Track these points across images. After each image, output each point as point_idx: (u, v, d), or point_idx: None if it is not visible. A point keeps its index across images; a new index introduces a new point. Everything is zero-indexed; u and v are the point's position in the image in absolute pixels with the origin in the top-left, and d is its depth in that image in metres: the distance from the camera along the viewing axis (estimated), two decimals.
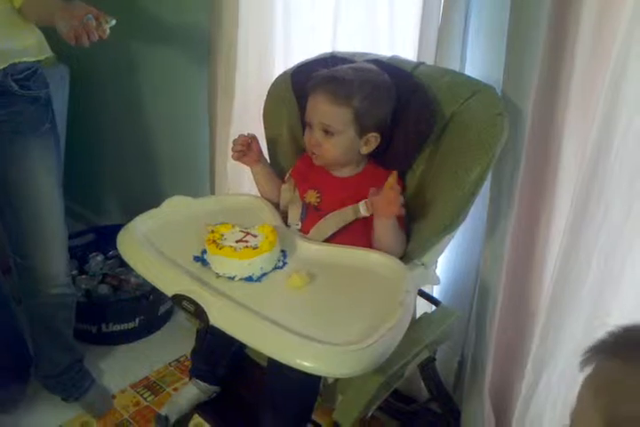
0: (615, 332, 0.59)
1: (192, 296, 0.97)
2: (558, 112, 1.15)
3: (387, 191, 1.06)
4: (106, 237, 2.11)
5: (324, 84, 1.12)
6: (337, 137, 1.13)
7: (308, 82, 1.16)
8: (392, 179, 1.06)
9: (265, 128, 1.38)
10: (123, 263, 2.15)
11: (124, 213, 2.47)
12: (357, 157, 1.18)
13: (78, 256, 2.19)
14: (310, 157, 1.20)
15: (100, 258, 2.21)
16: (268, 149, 1.37)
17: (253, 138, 1.26)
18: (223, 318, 0.96)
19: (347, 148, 1.15)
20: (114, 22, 1.22)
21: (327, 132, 1.13)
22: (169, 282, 1.03)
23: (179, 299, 0.99)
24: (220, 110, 1.70)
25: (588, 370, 0.58)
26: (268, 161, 1.35)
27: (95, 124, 2.42)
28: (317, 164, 1.20)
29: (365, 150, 1.16)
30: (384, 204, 1.08)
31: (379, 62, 1.21)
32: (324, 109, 1.13)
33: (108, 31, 1.22)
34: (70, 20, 1.18)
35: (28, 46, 1.36)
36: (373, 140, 1.15)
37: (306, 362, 0.88)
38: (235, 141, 1.26)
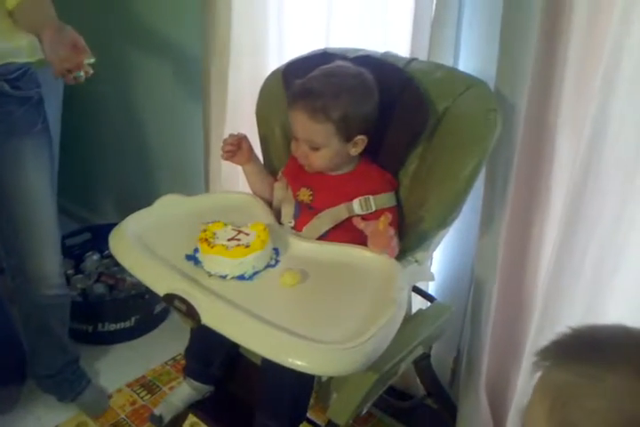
0: (565, 334, 0.58)
1: (183, 295, 0.97)
2: (552, 107, 1.14)
3: (383, 232, 1.04)
4: (102, 237, 2.06)
5: (299, 99, 1.10)
6: (323, 150, 1.13)
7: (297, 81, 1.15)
8: (384, 222, 1.03)
9: (258, 126, 1.37)
10: (118, 262, 2.15)
11: (120, 212, 2.46)
12: (351, 158, 1.17)
13: (74, 255, 2.19)
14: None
15: (95, 257, 2.20)
16: (261, 148, 1.36)
17: (243, 137, 1.25)
18: (214, 317, 0.96)
19: (335, 156, 1.14)
20: (93, 60, 1.24)
21: (313, 146, 1.13)
22: (160, 281, 1.02)
23: (170, 298, 0.98)
24: (213, 110, 1.70)
25: (539, 372, 0.57)
26: (261, 159, 1.35)
27: (91, 123, 2.41)
28: (309, 171, 1.19)
29: (355, 152, 1.15)
30: (383, 244, 1.06)
31: (370, 58, 1.20)
32: (304, 126, 1.11)
33: (91, 71, 1.24)
34: (56, 45, 1.19)
35: (20, 47, 1.36)
36: (361, 142, 1.14)
37: (298, 361, 0.88)
38: (224, 141, 1.25)
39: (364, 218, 1.13)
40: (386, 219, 1.03)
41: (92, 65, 1.24)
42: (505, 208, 1.24)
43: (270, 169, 1.34)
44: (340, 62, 1.15)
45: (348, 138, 1.12)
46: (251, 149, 1.28)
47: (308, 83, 1.10)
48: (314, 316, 0.98)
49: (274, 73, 1.34)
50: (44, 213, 1.50)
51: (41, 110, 1.46)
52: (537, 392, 0.57)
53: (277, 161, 1.34)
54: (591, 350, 0.56)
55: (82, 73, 1.21)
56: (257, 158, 1.31)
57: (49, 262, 1.55)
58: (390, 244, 1.06)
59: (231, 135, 1.26)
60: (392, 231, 1.05)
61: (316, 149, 1.13)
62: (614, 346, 0.55)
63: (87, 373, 1.79)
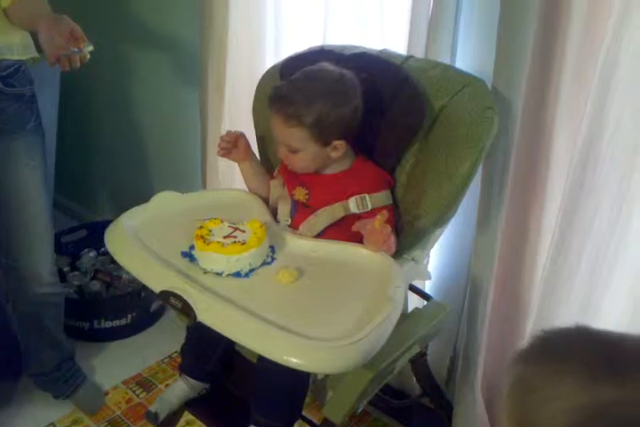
0: (537, 336, 0.59)
1: (179, 293, 0.96)
2: (549, 105, 1.14)
3: (379, 230, 1.04)
4: (98, 234, 2.04)
5: (273, 103, 1.10)
6: (300, 153, 1.13)
7: None
8: (380, 220, 1.03)
9: (254, 124, 1.37)
10: (115, 260, 2.14)
11: (117, 209, 2.44)
12: (334, 160, 1.16)
13: (70, 252, 2.18)
14: None
15: (92, 254, 2.19)
16: (258, 145, 1.36)
17: (240, 135, 1.25)
18: (210, 314, 0.95)
19: (313, 159, 1.14)
20: (91, 48, 1.23)
21: (290, 149, 1.13)
22: (156, 278, 1.02)
23: (166, 295, 0.98)
24: (210, 105, 1.69)
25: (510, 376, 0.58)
26: (258, 157, 1.34)
27: (87, 120, 2.41)
28: (293, 171, 1.19)
29: (335, 155, 1.14)
30: (379, 242, 1.06)
31: (368, 55, 1.20)
32: (279, 130, 1.12)
33: (88, 57, 1.23)
34: (54, 35, 1.18)
35: (12, 44, 1.35)
36: (340, 146, 1.13)
37: (293, 359, 0.88)
38: (221, 138, 1.25)
39: (360, 217, 1.13)
40: (382, 217, 1.03)
41: (90, 53, 1.23)
42: (502, 207, 1.24)
43: (267, 166, 1.33)
44: (323, 64, 1.14)
45: (324, 142, 1.11)
46: (247, 147, 1.27)
47: (282, 88, 1.11)
48: (310, 313, 0.98)
49: (271, 69, 1.34)
50: (37, 210, 1.49)
51: (34, 107, 1.45)
52: (506, 396, 0.58)
53: (274, 158, 1.33)
54: (546, 350, 0.57)
55: (75, 49, 1.19)
56: (254, 156, 1.31)
57: (42, 261, 1.54)
58: (387, 242, 1.06)
59: (228, 132, 1.25)
60: (389, 229, 1.05)
61: (294, 151, 1.13)
62: (566, 344, 0.56)
63: (83, 370, 1.79)
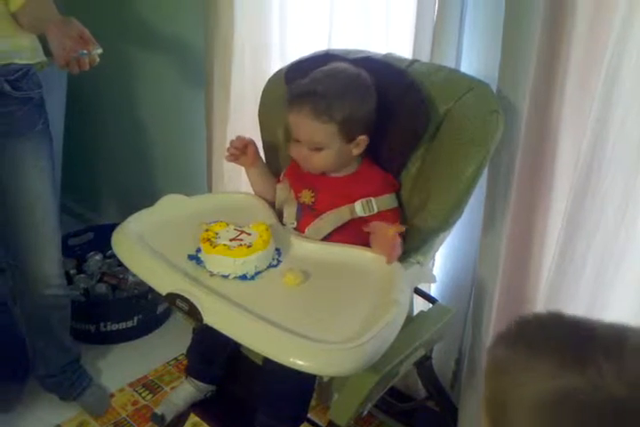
0: (514, 321, 0.60)
1: (185, 295, 0.97)
2: (554, 108, 1.14)
3: (391, 238, 1.05)
4: (104, 237, 2.05)
5: (300, 100, 1.10)
6: (325, 151, 1.13)
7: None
8: (394, 229, 1.04)
9: (260, 128, 1.37)
10: (121, 262, 2.14)
11: (123, 212, 2.43)
12: (353, 158, 1.17)
13: (77, 255, 2.20)
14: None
15: (98, 257, 2.20)
16: (264, 150, 1.36)
17: (250, 142, 1.25)
18: (216, 316, 0.96)
19: (337, 157, 1.14)
20: (100, 51, 1.24)
21: (315, 147, 1.13)
22: (163, 281, 1.03)
23: (172, 298, 0.98)
24: (216, 107, 1.70)
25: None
26: (265, 160, 1.35)
27: (94, 124, 2.42)
28: (313, 172, 1.19)
29: (357, 152, 1.15)
30: (386, 247, 1.06)
31: (373, 60, 1.20)
32: (307, 127, 1.11)
33: (97, 59, 1.23)
34: (63, 38, 1.20)
35: (21, 48, 1.36)
36: (362, 142, 1.14)
37: (299, 361, 0.88)
38: (231, 143, 1.25)
39: (366, 220, 1.13)
40: (397, 229, 1.04)
41: (99, 55, 1.24)
42: (507, 209, 1.24)
43: (274, 170, 1.34)
44: (337, 64, 1.15)
45: (349, 139, 1.12)
46: (256, 153, 1.27)
47: (310, 84, 1.10)
48: (315, 316, 0.98)
49: (277, 74, 1.34)
50: (45, 213, 1.50)
51: (42, 111, 1.46)
52: (483, 380, 0.60)
53: (281, 162, 1.34)
54: (520, 335, 0.59)
55: (84, 51, 1.20)
56: (262, 161, 1.31)
57: (48, 263, 1.55)
58: (394, 250, 1.06)
59: (238, 138, 1.25)
60: (399, 240, 1.06)
61: (318, 149, 1.13)
62: (538, 331, 0.58)
63: (89, 372, 1.79)
